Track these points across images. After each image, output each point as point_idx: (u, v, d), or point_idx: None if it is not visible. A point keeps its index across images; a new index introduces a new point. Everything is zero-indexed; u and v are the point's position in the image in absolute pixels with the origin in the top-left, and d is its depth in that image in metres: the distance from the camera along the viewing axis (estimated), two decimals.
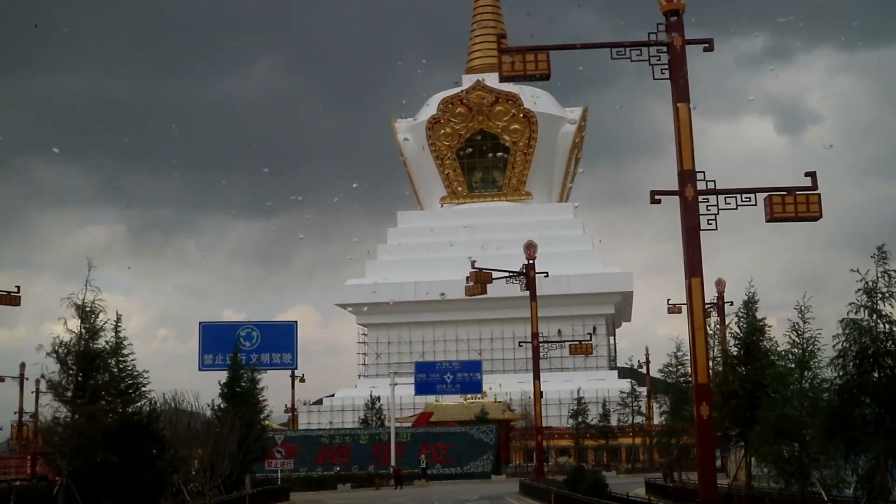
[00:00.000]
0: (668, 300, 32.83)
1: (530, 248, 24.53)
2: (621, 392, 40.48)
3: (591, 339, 34.49)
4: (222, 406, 24.52)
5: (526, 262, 25.34)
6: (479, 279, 24.46)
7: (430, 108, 41.11)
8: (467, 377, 42.18)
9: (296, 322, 36.64)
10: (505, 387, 43.92)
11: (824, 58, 74.83)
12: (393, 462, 40.01)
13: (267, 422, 52.81)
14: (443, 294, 34.39)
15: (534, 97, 38.18)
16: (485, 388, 44.93)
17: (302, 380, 48.06)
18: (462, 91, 39.23)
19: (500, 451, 44.75)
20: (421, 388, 42.43)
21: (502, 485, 36.37)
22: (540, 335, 32.10)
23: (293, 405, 53.11)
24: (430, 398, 45.21)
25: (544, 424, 42.91)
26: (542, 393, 43.12)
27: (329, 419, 50.59)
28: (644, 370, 40.03)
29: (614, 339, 46.87)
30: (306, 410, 51.67)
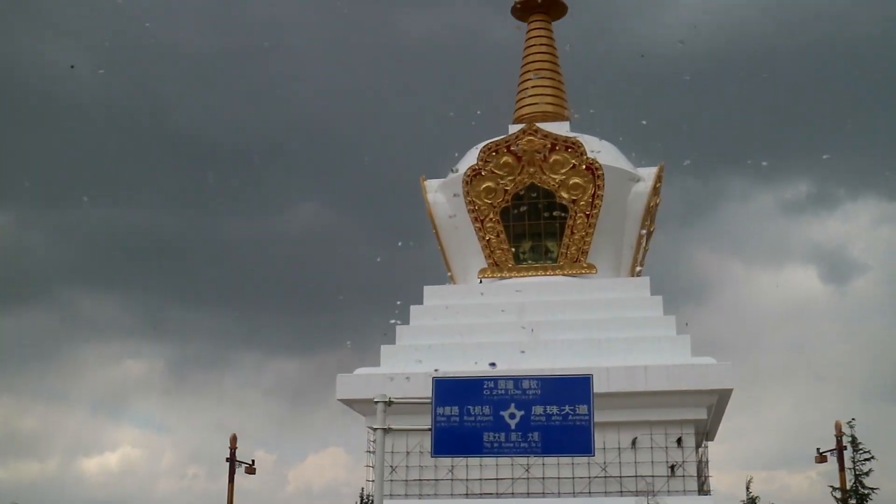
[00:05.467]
0: (818, 449, 26.72)
1: None
2: None
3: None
4: None
5: None
6: None
7: (470, 159, 35.86)
8: (560, 418, 19.30)
9: None
10: None
11: (869, 207, 72.43)
12: None
13: None
14: (493, 364, 26.62)
15: (597, 147, 33.12)
16: None
17: None
18: (510, 136, 33.94)
19: None
20: (443, 445, 19.05)
21: None
22: (602, 444, 25.90)
23: None
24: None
25: None
26: None
27: None
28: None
29: (706, 454, 40.32)
30: None
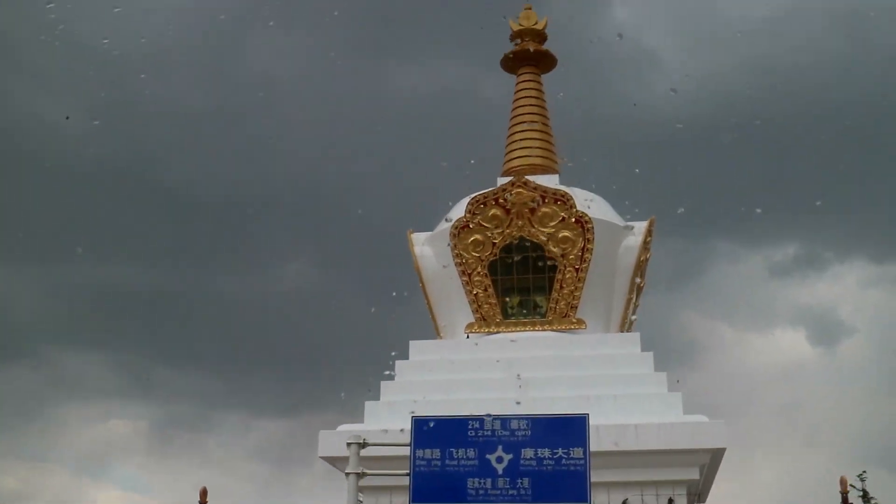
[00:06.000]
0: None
1: None
2: None
3: None
4: None
5: None
6: None
7: (458, 212, 34.96)
8: (552, 462, 17.72)
9: None
10: None
11: (856, 270, 72.84)
12: None
13: None
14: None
15: (587, 200, 32.37)
16: None
17: None
18: (498, 188, 32.97)
19: None
20: (422, 491, 17.58)
21: None
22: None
23: None
24: None
25: None
26: None
27: None
28: None
29: None
30: None
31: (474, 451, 17.55)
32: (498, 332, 28.39)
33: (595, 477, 26.68)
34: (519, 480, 17.32)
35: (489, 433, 17.65)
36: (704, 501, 33.31)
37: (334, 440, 27.50)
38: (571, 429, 17.92)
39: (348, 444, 18.61)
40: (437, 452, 17.63)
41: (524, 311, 29.89)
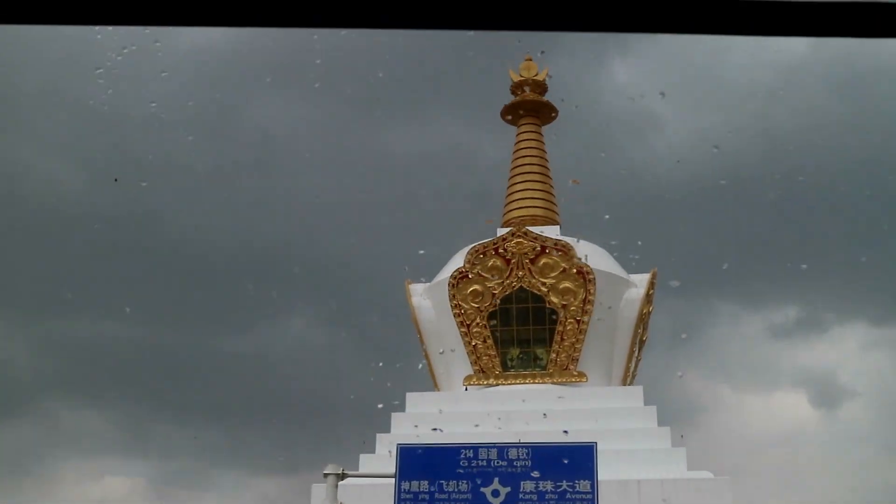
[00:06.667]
0: None
1: None
2: None
3: None
4: None
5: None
6: None
7: (457, 263, 33.75)
8: (555, 496, 15.85)
9: None
10: None
11: (857, 332, 72.31)
12: None
13: None
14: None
15: (587, 253, 31.89)
16: None
17: None
18: (497, 238, 32.01)
19: None
20: None
21: None
22: None
23: None
24: None
25: None
26: None
27: None
28: None
29: None
30: None
31: (467, 483, 15.87)
32: (497, 385, 27.73)
33: None
34: None
35: (484, 463, 15.89)
36: None
37: (323, 494, 26.76)
38: (577, 459, 16.18)
39: (325, 475, 17.50)
40: (424, 485, 15.97)
41: (524, 363, 29.20)
